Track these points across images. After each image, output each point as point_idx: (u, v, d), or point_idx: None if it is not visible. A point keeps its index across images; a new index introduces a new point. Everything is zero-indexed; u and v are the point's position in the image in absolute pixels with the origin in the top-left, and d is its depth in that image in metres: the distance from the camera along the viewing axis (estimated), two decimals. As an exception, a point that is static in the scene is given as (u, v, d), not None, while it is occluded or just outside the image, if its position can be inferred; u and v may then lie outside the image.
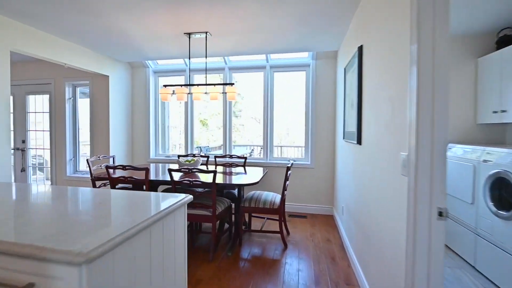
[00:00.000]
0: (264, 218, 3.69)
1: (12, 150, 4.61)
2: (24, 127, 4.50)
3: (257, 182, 2.70)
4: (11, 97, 4.55)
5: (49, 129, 4.34)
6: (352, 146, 2.67)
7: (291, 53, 4.01)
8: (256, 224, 3.59)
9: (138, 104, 4.60)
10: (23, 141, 4.50)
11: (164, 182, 2.70)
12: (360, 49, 2.31)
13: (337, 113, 3.79)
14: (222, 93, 3.10)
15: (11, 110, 4.58)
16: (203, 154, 4.11)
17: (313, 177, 4.05)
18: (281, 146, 9.13)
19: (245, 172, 3.44)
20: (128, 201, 1.25)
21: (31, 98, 4.50)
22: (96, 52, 3.76)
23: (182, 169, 2.54)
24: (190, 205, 2.62)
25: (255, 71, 4.32)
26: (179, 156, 3.98)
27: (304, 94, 4.16)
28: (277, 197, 3.02)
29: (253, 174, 3.21)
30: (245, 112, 13.61)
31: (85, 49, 3.59)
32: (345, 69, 3.08)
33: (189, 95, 3.14)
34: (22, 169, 4.50)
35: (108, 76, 4.04)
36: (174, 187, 2.60)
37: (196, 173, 2.53)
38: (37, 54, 2.99)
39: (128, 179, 2.72)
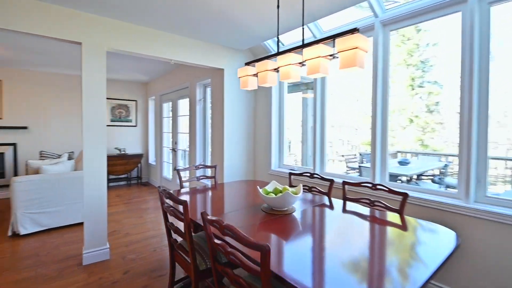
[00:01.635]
0: None
1: (171, 151, 5.13)
2: (176, 129, 4.85)
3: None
4: (170, 103, 5.06)
5: (188, 132, 4.37)
6: None
7: None
8: None
9: (265, 100, 3.66)
10: (176, 143, 4.86)
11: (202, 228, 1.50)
12: None
13: None
14: (333, 57, 1.44)
15: (170, 115, 5.08)
16: (324, 177, 2.50)
17: None
18: (513, 159, 5.16)
19: (404, 227, 1.58)
20: None
21: (180, 103, 4.77)
22: (202, 40, 3.14)
23: (214, 222, 1.22)
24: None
25: (441, 14, 2.11)
26: (290, 173, 2.63)
27: None
28: None
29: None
30: (445, 105, 9.55)
31: (187, 40, 3.07)
32: None
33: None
34: (174, 168, 4.90)
35: (223, 69, 3.38)
36: (211, 248, 1.34)
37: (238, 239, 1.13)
38: (135, 52, 2.70)
39: (172, 210, 1.76)
